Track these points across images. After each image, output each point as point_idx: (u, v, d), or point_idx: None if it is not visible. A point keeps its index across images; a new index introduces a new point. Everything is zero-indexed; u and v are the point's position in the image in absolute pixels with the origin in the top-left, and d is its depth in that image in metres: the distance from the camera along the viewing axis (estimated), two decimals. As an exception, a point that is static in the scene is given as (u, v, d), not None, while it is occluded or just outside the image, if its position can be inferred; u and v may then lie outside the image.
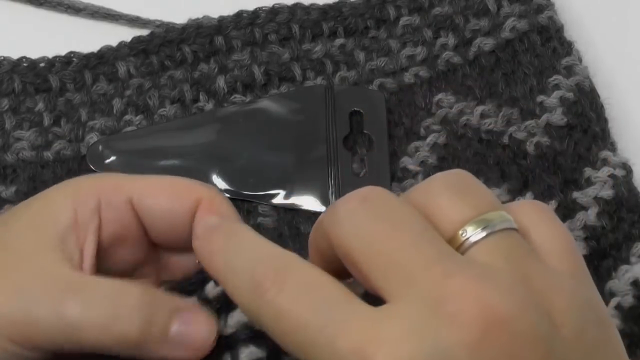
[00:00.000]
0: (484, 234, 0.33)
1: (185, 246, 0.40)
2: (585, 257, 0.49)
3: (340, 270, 0.35)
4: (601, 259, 0.50)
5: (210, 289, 0.38)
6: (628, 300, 0.48)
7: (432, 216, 0.34)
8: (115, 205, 0.39)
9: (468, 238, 0.33)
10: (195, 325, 0.37)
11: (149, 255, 0.41)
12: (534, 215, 0.35)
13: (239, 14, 0.57)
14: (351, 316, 0.32)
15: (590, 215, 0.51)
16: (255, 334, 0.37)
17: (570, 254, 0.34)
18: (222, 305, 0.37)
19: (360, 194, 0.34)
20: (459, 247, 0.33)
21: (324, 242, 0.35)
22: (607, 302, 0.48)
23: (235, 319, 0.37)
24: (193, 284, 0.38)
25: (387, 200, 0.34)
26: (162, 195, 0.40)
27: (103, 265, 0.39)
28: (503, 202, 0.50)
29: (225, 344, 0.37)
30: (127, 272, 0.40)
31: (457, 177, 0.35)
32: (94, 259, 0.39)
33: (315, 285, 0.33)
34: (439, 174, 0.36)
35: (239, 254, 0.35)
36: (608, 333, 0.33)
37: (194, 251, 0.39)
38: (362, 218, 0.33)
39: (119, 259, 0.40)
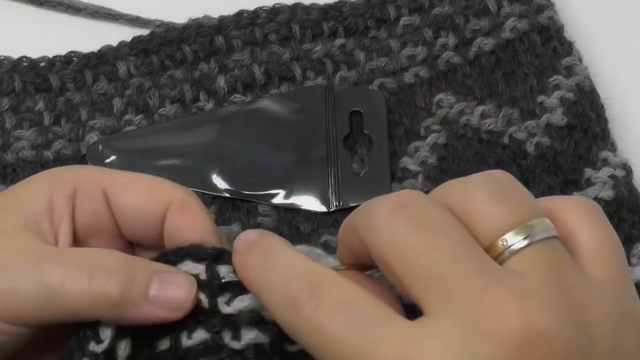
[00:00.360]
0: (525, 242, 0.32)
1: (156, 245, 0.41)
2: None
3: (369, 263, 0.35)
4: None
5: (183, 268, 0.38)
6: None
7: (470, 222, 0.33)
8: (90, 196, 0.40)
9: (509, 247, 0.32)
10: (175, 285, 0.37)
11: (124, 250, 0.41)
12: (582, 215, 0.35)
13: (239, 14, 0.57)
14: (387, 333, 0.32)
15: (591, 216, 0.51)
16: (261, 320, 0.37)
17: (614, 261, 0.34)
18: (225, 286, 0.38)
19: (398, 199, 0.34)
20: (499, 255, 0.33)
21: (356, 242, 0.35)
22: None
23: (245, 302, 0.37)
24: (167, 261, 0.38)
25: (425, 207, 0.33)
26: (135, 193, 0.40)
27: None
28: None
29: (225, 321, 0.37)
30: None
31: (498, 181, 0.34)
32: (69, 245, 0.39)
33: (352, 302, 0.33)
34: (477, 176, 0.35)
35: (275, 270, 0.35)
36: None
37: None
38: (400, 226, 0.33)
39: None
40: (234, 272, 0.37)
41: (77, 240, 0.40)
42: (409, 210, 0.33)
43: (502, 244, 0.33)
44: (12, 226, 0.38)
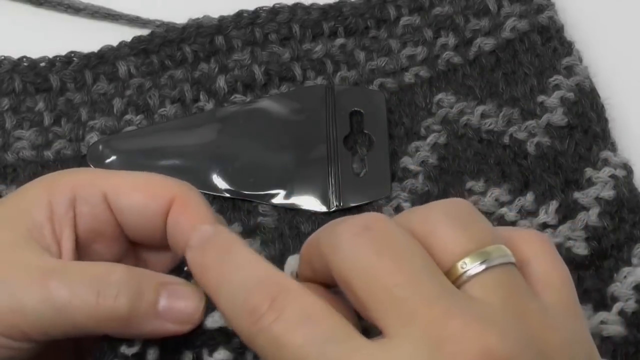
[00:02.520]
0: (482, 267, 0.33)
1: (160, 244, 0.40)
2: (587, 257, 0.50)
3: (328, 282, 0.35)
4: (602, 260, 0.50)
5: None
6: (631, 306, 0.48)
7: (431, 246, 0.34)
8: (89, 200, 0.39)
9: (466, 271, 0.33)
10: (183, 298, 0.36)
11: (127, 251, 0.41)
12: (535, 246, 0.35)
13: (240, 14, 0.57)
14: (348, 352, 0.32)
15: (592, 216, 0.51)
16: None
17: (566, 288, 0.35)
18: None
19: (363, 221, 0.34)
20: (457, 279, 0.33)
21: (319, 260, 0.35)
22: (610, 307, 0.48)
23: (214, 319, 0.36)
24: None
25: (389, 231, 0.34)
26: (135, 193, 0.40)
27: (82, 261, 0.39)
28: (502, 203, 0.51)
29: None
30: None
31: (458, 208, 0.35)
32: (73, 253, 0.39)
33: (314, 316, 0.33)
34: (439, 203, 0.36)
35: (234, 273, 0.34)
36: None
37: (170, 249, 0.39)
38: (364, 249, 0.33)
39: (98, 254, 0.40)
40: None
41: (79, 246, 0.39)
42: (373, 233, 0.33)
43: (461, 268, 0.33)
44: (14, 239, 0.38)
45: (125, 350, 0.36)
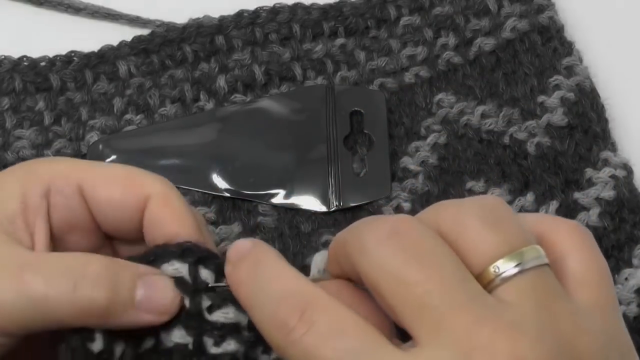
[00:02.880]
0: (516, 270, 0.32)
1: (135, 239, 0.40)
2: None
3: (357, 280, 0.35)
4: (603, 260, 0.50)
5: (168, 268, 0.38)
6: (633, 310, 0.48)
7: (462, 248, 0.33)
8: (64, 191, 0.39)
9: (500, 274, 0.32)
10: (160, 288, 0.36)
11: (104, 243, 0.41)
12: (572, 239, 0.35)
13: (240, 14, 0.57)
14: None
15: (592, 216, 0.51)
16: (239, 329, 0.37)
17: (602, 286, 0.34)
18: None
19: (390, 225, 0.33)
20: (489, 282, 0.33)
21: (346, 261, 0.35)
22: None
23: (230, 315, 0.37)
24: (151, 260, 0.38)
25: (418, 235, 0.33)
26: (112, 186, 0.39)
27: (57, 251, 0.39)
28: (509, 202, 0.51)
29: (207, 327, 0.37)
30: None
31: (490, 207, 0.34)
32: (47, 244, 0.38)
33: (344, 328, 0.32)
34: (469, 201, 0.35)
35: (265, 287, 0.34)
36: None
37: (145, 243, 0.39)
38: (392, 254, 0.33)
39: (73, 246, 0.40)
40: (217, 276, 0.37)
41: (54, 238, 0.39)
42: (402, 237, 0.33)
43: (494, 271, 0.33)
44: None
45: (92, 346, 0.36)
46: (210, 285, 0.37)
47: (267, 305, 0.34)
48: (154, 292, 0.36)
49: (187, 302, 0.37)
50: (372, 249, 0.33)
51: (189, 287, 0.37)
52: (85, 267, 0.36)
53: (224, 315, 0.37)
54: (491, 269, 0.33)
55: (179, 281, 0.37)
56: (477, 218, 0.33)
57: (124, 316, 0.36)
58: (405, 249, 0.33)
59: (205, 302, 0.37)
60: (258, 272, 0.35)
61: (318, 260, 0.38)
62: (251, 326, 0.36)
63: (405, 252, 0.33)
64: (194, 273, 0.37)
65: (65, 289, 0.35)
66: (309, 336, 0.32)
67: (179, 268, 0.37)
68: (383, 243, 0.33)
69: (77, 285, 0.35)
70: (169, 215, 0.39)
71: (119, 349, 0.37)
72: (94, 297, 0.35)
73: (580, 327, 0.32)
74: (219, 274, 0.38)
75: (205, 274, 0.38)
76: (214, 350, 0.36)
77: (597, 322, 0.33)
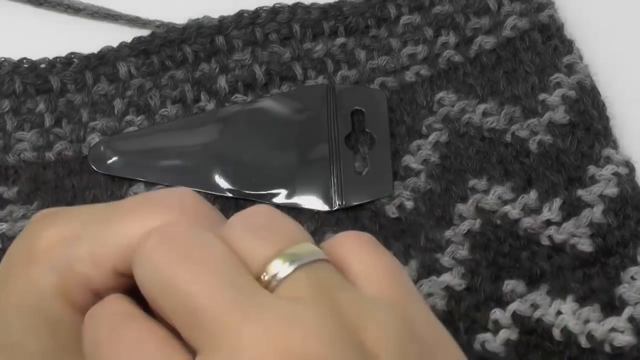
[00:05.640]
0: (292, 268, 0.32)
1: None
2: (592, 254, 0.50)
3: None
4: (608, 257, 0.50)
5: None
6: None
7: (243, 259, 0.32)
8: (102, 280, 0.35)
9: (275, 275, 0.32)
10: None
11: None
12: (351, 245, 0.34)
13: (240, 14, 0.57)
14: None
15: (596, 213, 0.51)
16: None
17: (391, 279, 0.33)
18: None
19: (160, 230, 0.32)
20: (268, 286, 0.32)
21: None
22: (618, 309, 0.48)
23: None
24: None
25: (188, 237, 0.32)
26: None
27: None
28: (506, 200, 0.51)
29: None
30: None
31: (255, 216, 0.34)
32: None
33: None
34: (237, 216, 0.34)
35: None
36: (434, 354, 0.32)
37: None
38: (160, 259, 0.31)
39: None
40: None
41: None
42: (170, 241, 0.32)
43: (271, 272, 0.32)
44: (42, 350, 0.34)
45: None
46: None
47: None
48: None
49: None
50: (142, 259, 0.32)
51: None
52: None
53: None
54: (268, 270, 0.32)
55: None
56: (242, 228, 0.33)
57: None
58: (174, 252, 0.31)
59: None
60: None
61: None
62: None
63: (173, 256, 0.31)
64: None
65: None
66: None
67: None
68: (152, 250, 0.32)
69: None
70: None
71: None
72: None
73: (369, 315, 0.31)
74: None
75: None
76: None
77: (389, 313, 0.32)
